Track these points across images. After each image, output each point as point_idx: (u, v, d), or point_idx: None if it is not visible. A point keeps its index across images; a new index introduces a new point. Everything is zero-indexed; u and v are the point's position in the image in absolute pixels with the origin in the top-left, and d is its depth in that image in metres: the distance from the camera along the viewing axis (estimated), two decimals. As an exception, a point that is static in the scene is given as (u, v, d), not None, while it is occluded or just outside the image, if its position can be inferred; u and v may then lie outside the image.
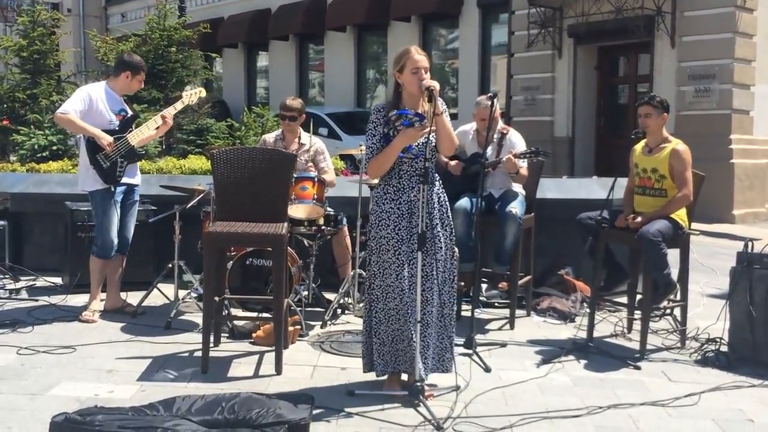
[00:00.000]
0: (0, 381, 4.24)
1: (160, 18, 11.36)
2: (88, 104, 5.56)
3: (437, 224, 4.12)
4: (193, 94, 5.97)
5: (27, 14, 11.84)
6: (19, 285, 6.51)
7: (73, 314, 5.66)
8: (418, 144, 4.06)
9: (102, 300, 5.81)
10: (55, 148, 9.29)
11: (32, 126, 10.01)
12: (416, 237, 4.00)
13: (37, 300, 6.06)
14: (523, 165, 5.71)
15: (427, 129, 3.97)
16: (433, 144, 4.11)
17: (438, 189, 4.20)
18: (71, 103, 5.56)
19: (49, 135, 9.44)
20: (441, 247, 4.10)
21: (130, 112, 5.84)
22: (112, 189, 5.61)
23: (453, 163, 5.70)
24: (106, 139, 5.49)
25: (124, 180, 5.68)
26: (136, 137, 5.70)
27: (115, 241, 5.66)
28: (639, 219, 5.15)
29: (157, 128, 5.79)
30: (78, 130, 5.65)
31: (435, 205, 4.13)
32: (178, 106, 5.89)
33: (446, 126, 4.10)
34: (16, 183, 7.43)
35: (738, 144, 12.76)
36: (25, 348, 4.81)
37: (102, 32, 18.01)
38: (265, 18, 20.84)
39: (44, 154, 9.15)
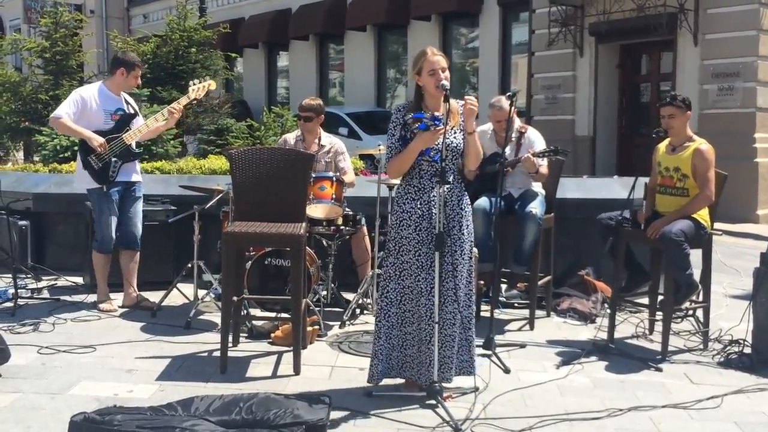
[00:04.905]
0: (21, 380, 4.27)
1: (180, 19, 11.44)
2: (81, 106, 5.68)
3: (455, 225, 4.09)
4: (200, 88, 5.95)
5: (50, 16, 11.92)
6: (40, 284, 6.55)
7: (94, 314, 5.72)
8: (437, 147, 4.03)
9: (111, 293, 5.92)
10: (76, 148, 9.31)
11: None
12: (435, 237, 3.97)
13: (58, 299, 6.10)
14: (542, 164, 5.67)
15: (443, 131, 3.95)
16: (455, 146, 4.09)
17: (458, 191, 4.17)
18: (64, 106, 5.71)
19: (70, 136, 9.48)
20: (456, 250, 4.07)
21: (130, 111, 5.88)
22: (104, 189, 5.69)
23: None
24: (97, 141, 5.59)
25: (120, 179, 5.77)
26: (133, 136, 5.77)
27: (114, 236, 5.79)
28: (657, 227, 5.04)
29: (166, 120, 5.84)
30: (70, 132, 5.82)
31: (455, 207, 4.11)
32: (183, 101, 5.90)
33: (475, 144, 4.14)
34: (39, 183, 7.50)
35: (762, 143, 12.58)
36: (46, 347, 4.84)
37: (124, 33, 18.17)
38: (286, 18, 20.90)
39: (66, 155, 9.19)
